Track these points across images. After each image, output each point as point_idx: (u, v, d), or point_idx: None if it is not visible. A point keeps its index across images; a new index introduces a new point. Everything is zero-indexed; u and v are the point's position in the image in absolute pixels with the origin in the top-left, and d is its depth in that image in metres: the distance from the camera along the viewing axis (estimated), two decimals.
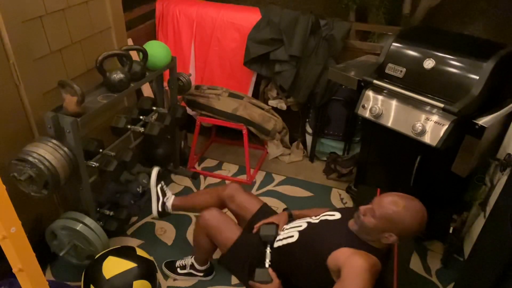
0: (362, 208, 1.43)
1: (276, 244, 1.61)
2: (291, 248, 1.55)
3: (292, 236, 1.57)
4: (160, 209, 1.99)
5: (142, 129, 2.07)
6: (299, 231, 1.57)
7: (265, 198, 2.50)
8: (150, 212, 2.31)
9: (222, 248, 1.72)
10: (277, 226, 1.66)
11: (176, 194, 2.48)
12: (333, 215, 1.58)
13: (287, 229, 1.64)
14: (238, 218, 1.90)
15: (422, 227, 1.36)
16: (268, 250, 1.61)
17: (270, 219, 1.71)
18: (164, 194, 2.01)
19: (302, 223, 1.61)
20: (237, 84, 2.77)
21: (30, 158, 1.55)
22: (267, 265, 1.56)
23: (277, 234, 1.63)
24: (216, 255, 1.84)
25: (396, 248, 1.74)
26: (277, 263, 1.57)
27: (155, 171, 2.02)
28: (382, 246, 1.42)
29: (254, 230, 1.70)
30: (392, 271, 1.62)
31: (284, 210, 1.81)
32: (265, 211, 1.83)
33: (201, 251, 1.86)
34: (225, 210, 1.89)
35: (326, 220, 1.57)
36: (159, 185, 2.01)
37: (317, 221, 1.59)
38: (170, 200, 2.00)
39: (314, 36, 2.46)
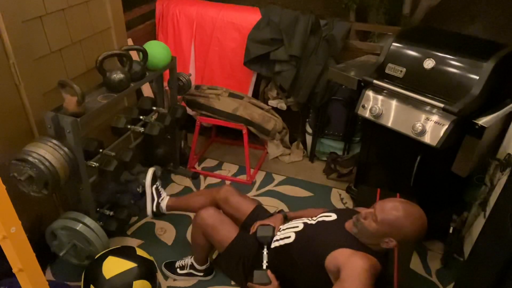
0: (363, 211, 1.42)
1: (273, 245, 1.62)
2: (288, 248, 1.55)
3: (289, 237, 1.58)
4: (154, 209, 2.00)
5: (142, 129, 2.07)
6: (296, 232, 1.58)
7: (265, 198, 2.51)
8: None
9: (219, 248, 1.72)
10: (274, 227, 1.66)
11: (176, 194, 2.51)
12: (330, 216, 1.58)
13: (283, 229, 1.65)
14: (233, 219, 1.89)
15: (422, 234, 1.38)
16: (265, 251, 1.61)
17: (266, 221, 1.71)
18: (159, 195, 2.02)
19: (298, 224, 1.62)
20: (237, 84, 2.77)
21: (30, 158, 1.55)
22: (264, 267, 1.56)
23: (274, 235, 1.64)
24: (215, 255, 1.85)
25: (396, 248, 1.74)
26: (274, 263, 1.57)
27: (150, 171, 2.03)
28: (380, 249, 1.42)
29: (251, 232, 1.70)
30: (392, 271, 1.62)
31: (278, 212, 1.81)
32: (260, 212, 1.84)
33: (198, 250, 1.86)
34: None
35: (323, 221, 1.57)
36: (155, 186, 2.02)
37: (313, 222, 1.59)
38: (164, 201, 2.01)
39: (314, 36, 2.46)
